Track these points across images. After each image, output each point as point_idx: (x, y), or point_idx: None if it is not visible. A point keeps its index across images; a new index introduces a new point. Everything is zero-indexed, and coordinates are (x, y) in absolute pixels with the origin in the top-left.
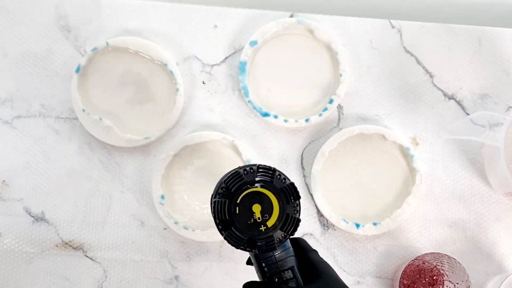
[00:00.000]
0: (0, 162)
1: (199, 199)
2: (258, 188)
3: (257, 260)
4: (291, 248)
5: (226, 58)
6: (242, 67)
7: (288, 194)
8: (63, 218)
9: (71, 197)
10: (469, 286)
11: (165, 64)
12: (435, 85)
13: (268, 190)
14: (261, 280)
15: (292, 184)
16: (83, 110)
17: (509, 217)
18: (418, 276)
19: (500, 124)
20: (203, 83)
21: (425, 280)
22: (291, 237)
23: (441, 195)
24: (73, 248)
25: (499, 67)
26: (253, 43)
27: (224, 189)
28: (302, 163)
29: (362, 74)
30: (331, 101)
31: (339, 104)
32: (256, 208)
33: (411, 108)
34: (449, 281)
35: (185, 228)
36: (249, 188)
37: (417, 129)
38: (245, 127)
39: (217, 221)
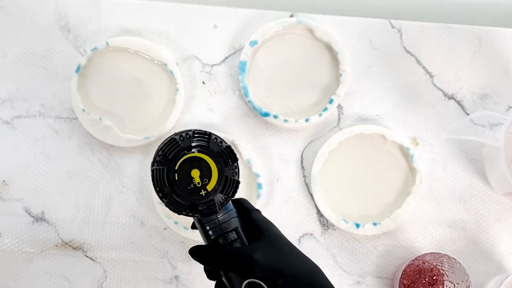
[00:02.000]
0: (0, 162)
1: None
2: (195, 153)
3: (200, 224)
4: (234, 210)
5: (226, 58)
6: (242, 67)
7: (226, 157)
8: (63, 218)
9: (71, 197)
10: (469, 286)
11: (165, 64)
12: (435, 85)
13: (205, 154)
14: (206, 243)
15: (228, 146)
16: (83, 110)
17: (509, 217)
18: (418, 276)
19: (500, 124)
20: (203, 83)
21: (425, 280)
22: (232, 199)
23: (441, 195)
24: (73, 248)
25: (499, 67)
26: (253, 43)
27: (161, 157)
28: (302, 163)
29: (362, 74)
30: (331, 101)
31: (339, 104)
32: (195, 173)
33: (411, 108)
34: (449, 281)
35: (185, 228)
36: (186, 154)
37: (417, 129)
38: (245, 127)
39: (157, 189)
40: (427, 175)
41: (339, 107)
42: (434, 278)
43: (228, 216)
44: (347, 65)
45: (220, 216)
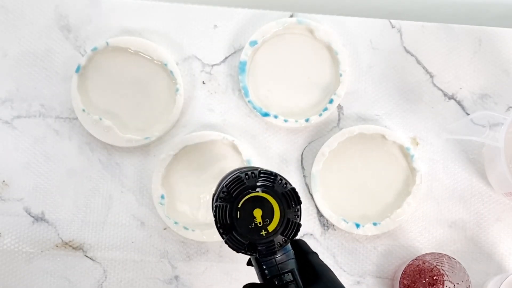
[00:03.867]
0: (0, 162)
1: (199, 199)
2: (259, 193)
3: (257, 263)
4: (292, 251)
5: (226, 58)
6: (242, 67)
7: (289, 199)
8: (63, 218)
9: (71, 197)
10: (469, 286)
11: (165, 64)
12: (435, 85)
13: (269, 195)
14: (261, 282)
15: (293, 189)
16: (83, 110)
17: (509, 217)
18: (418, 276)
19: (500, 124)
20: (203, 83)
21: (425, 280)
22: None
23: (441, 195)
24: (73, 248)
25: (499, 67)
26: (253, 43)
27: (225, 193)
28: (302, 163)
29: (362, 74)
30: (331, 101)
31: (339, 104)
32: (257, 213)
33: (411, 108)
34: (449, 281)
35: (185, 228)
36: (250, 193)
37: (417, 129)
38: (245, 127)
39: (219, 225)
40: (427, 175)
41: (339, 107)
42: (434, 278)
43: (286, 257)
44: (347, 65)
45: (278, 256)
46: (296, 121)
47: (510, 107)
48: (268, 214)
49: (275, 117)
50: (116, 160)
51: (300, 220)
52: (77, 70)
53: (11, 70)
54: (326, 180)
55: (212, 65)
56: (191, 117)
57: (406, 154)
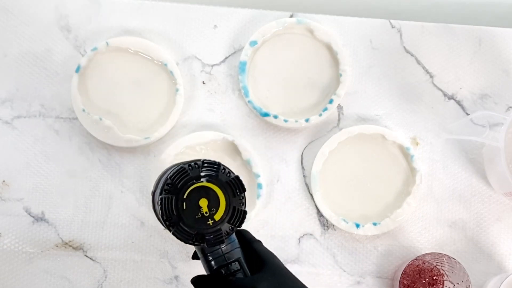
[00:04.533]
0: (0, 162)
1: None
2: (204, 182)
3: (203, 254)
4: (236, 240)
5: (226, 58)
6: (242, 67)
7: (234, 187)
8: (63, 218)
9: (71, 197)
10: (469, 286)
11: (165, 64)
12: (435, 85)
13: (214, 184)
14: (208, 274)
15: (237, 177)
16: (83, 110)
17: (509, 217)
18: (418, 276)
19: (500, 124)
20: (203, 83)
21: (425, 280)
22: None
23: (441, 195)
24: (73, 248)
25: (499, 67)
26: (253, 43)
27: (170, 185)
28: (302, 163)
29: (362, 74)
30: (331, 101)
31: (339, 104)
32: (203, 203)
33: (411, 108)
34: (449, 281)
35: None
36: (195, 183)
37: (417, 129)
38: (245, 127)
39: (165, 218)
40: (427, 175)
41: (339, 107)
42: (434, 278)
43: (231, 247)
44: (347, 65)
45: (223, 246)
46: (296, 121)
47: (510, 107)
48: (214, 204)
49: (275, 117)
50: (116, 160)
51: (245, 208)
52: (77, 70)
53: (11, 70)
54: (326, 180)
55: (212, 65)
56: (191, 117)
57: (406, 154)
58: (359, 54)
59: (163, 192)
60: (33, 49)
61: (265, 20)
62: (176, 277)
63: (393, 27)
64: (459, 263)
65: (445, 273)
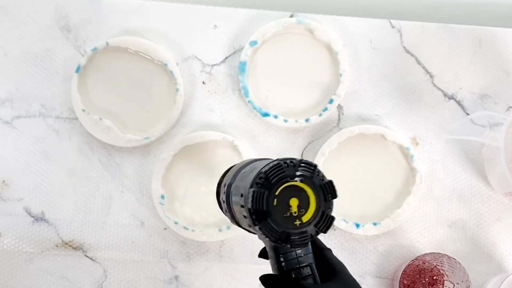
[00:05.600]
0: (0, 162)
1: (199, 199)
2: (297, 182)
3: (275, 254)
4: (310, 246)
5: (226, 58)
6: (242, 67)
7: (326, 191)
8: (63, 218)
9: (71, 197)
10: (469, 286)
11: (165, 64)
12: (435, 85)
13: (308, 185)
14: (278, 274)
15: (331, 182)
16: (83, 110)
17: (509, 217)
18: (418, 276)
19: (500, 124)
20: (203, 83)
21: (425, 280)
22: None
23: (441, 195)
24: (73, 248)
25: (499, 67)
26: (253, 43)
27: (263, 180)
28: None
29: (362, 74)
30: (331, 101)
31: (339, 104)
32: (293, 202)
33: (411, 108)
34: (449, 281)
35: (185, 228)
36: (289, 181)
37: (417, 129)
38: (245, 127)
39: (252, 211)
40: (427, 175)
41: (339, 107)
42: (434, 278)
43: (305, 251)
44: (347, 65)
45: (298, 250)
46: (296, 121)
47: (510, 107)
48: (304, 205)
49: (275, 117)
50: (116, 160)
51: (332, 213)
52: (77, 70)
53: (11, 70)
54: None
55: (212, 65)
56: (191, 117)
57: (406, 154)
58: (359, 54)
59: (255, 185)
60: (33, 49)
61: (265, 20)
62: (176, 277)
63: (393, 27)
64: (459, 263)
65: (445, 273)
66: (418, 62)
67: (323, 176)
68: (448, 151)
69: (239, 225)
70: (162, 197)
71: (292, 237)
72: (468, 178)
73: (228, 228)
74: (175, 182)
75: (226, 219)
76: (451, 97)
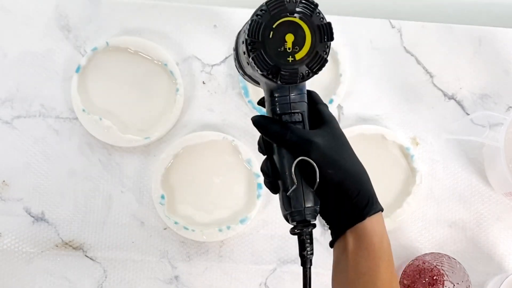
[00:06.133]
0: (0, 162)
1: (199, 199)
2: (296, 18)
3: (271, 96)
4: (306, 95)
5: (226, 58)
6: None
7: (324, 32)
8: (63, 218)
9: (71, 197)
10: (469, 286)
11: (165, 64)
12: (435, 85)
13: (305, 23)
14: (271, 116)
15: (329, 23)
16: (83, 110)
17: (509, 217)
18: (418, 276)
19: (500, 124)
20: (203, 83)
21: (425, 280)
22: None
23: (441, 195)
24: (73, 248)
25: (499, 67)
26: None
27: (264, 11)
28: None
29: (362, 74)
30: (331, 101)
31: (339, 104)
32: (289, 38)
33: (411, 108)
34: (449, 281)
35: (185, 228)
36: (288, 16)
37: (417, 129)
38: (245, 127)
39: (248, 41)
40: (427, 175)
41: (339, 107)
42: (434, 278)
43: (300, 98)
44: (347, 65)
45: (292, 95)
46: None
47: (510, 107)
48: (299, 42)
49: None
50: (116, 160)
51: (327, 57)
52: (77, 70)
53: (11, 70)
54: None
55: (212, 65)
56: (191, 117)
57: (406, 154)
58: (359, 54)
59: (255, 16)
60: (33, 49)
61: None
62: (176, 277)
63: (393, 27)
64: (459, 263)
65: (445, 273)
66: (418, 62)
67: (323, 17)
68: (448, 151)
69: (245, 73)
70: (162, 197)
71: (282, 72)
72: (468, 178)
73: (228, 228)
74: (175, 182)
75: (226, 219)
76: (451, 97)
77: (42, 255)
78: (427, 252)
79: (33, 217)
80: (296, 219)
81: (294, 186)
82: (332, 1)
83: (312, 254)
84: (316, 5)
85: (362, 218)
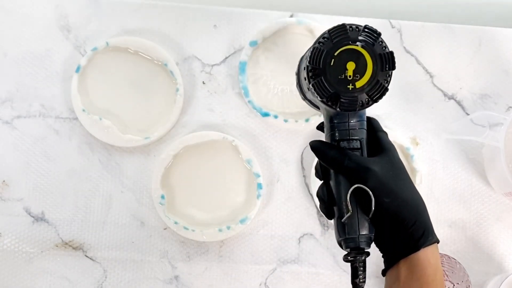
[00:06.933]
0: (0, 162)
1: (199, 199)
2: (358, 47)
3: (330, 122)
4: (365, 122)
5: (226, 58)
6: (242, 67)
7: (385, 61)
8: (63, 218)
9: (71, 197)
10: (469, 286)
11: (165, 64)
12: (435, 85)
13: (367, 51)
14: (329, 142)
15: (392, 53)
16: (83, 110)
17: (509, 217)
18: None
19: (500, 124)
20: (203, 83)
21: None
22: (367, 116)
23: (441, 195)
24: (73, 248)
25: (499, 67)
26: (253, 43)
27: (326, 39)
28: (302, 163)
29: None
30: None
31: None
32: (350, 66)
33: (411, 108)
34: (449, 281)
35: (185, 228)
36: (350, 44)
37: (417, 129)
38: (245, 127)
39: (310, 67)
40: (427, 175)
41: None
42: None
43: (359, 125)
44: None
45: (351, 121)
46: (296, 121)
47: (510, 107)
48: (360, 70)
49: (275, 117)
50: (116, 160)
51: (388, 86)
52: (77, 70)
53: (11, 70)
54: None
55: (212, 65)
56: (191, 117)
57: (406, 154)
58: None
59: (317, 43)
60: (33, 49)
61: (265, 20)
62: (176, 277)
63: (393, 27)
64: (459, 263)
65: (445, 273)
66: (418, 62)
67: (385, 46)
68: (448, 151)
69: (305, 97)
70: (162, 197)
71: (342, 100)
72: (468, 178)
73: (228, 228)
74: (175, 182)
75: (226, 219)
76: (451, 97)
77: (42, 255)
78: None
79: (33, 217)
80: (350, 246)
81: (350, 214)
82: (332, 1)
83: (364, 282)
84: (379, 34)
85: (417, 248)
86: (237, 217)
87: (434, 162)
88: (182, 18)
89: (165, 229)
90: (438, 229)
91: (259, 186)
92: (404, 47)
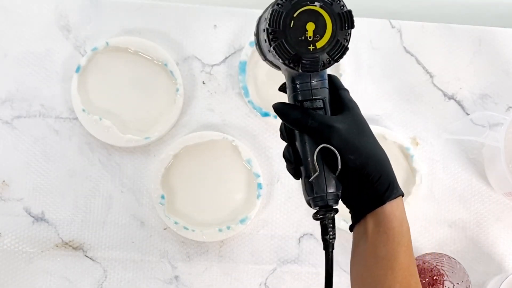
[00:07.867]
0: (0, 162)
1: (199, 199)
2: (317, 7)
3: (292, 84)
4: (327, 81)
5: (226, 58)
6: (242, 67)
7: (344, 20)
8: (63, 218)
9: (71, 197)
10: (469, 286)
11: (165, 64)
12: (435, 85)
13: (326, 11)
14: (292, 103)
15: (350, 11)
16: (83, 110)
17: (509, 217)
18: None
19: (500, 124)
20: (203, 83)
21: (425, 280)
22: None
23: (441, 195)
24: (73, 248)
25: (499, 67)
26: (253, 43)
27: (284, 1)
28: None
29: (362, 74)
30: None
31: None
32: (310, 27)
33: (411, 108)
34: (449, 281)
35: (185, 228)
36: (308, 5)
37: (417, 129)
38: (245, 127)
39: (270, 30)
40: (427, 175)
41: None
42: (434, 278)
43: (321, 84)
44: (347, 65)
45: (313, 81)
46: None
47: (510, 107)
48: (319, 31)
49: (275, 117)
50: (116, 160)
51: (348, 44)
52: (77, 70)
53: (11, 70)
54: None
55: (212, 65)
56: (191, 117)
57: (406, 154)
58: (359, 54)
59: (276, 5)
60: (33, 49)
61: None
62: (176, 277)
63: (393, 27)
64: (459, 263)
65: (445, 273)
66: (418, 62)
67: (343, 5)
68: (448, 151)
69: (266, 58)
70: (162, 197)
71: (303, 61)
72: (468, 178)
73: (228, 228)
74: (175, 182)
75: (226, 219)
76: (451, 97)
77: (42, 255)
78: (427, 252)
79: (33, 217)
80: (319, 204)
81: (317, 173)
82: None
83: (334, 238)
84: None
85: (383, 202)
86: (237, 217)
87: (434, 162)
88: (182, 18)
89: (165, 229)
90: (438, 229)
91: (259, 186)
92: (404, 47)
